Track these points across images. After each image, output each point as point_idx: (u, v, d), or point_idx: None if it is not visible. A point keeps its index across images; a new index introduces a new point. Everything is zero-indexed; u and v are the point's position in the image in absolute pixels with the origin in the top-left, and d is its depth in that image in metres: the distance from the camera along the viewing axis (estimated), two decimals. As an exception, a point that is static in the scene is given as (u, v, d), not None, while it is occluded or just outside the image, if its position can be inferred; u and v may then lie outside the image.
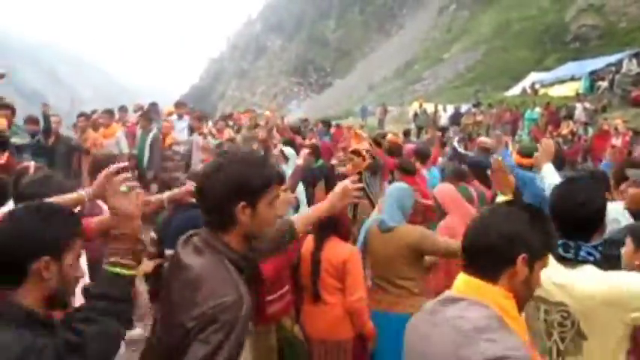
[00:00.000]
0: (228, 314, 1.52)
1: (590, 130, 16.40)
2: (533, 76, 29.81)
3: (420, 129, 21.65)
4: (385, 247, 3.59)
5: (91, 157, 6.71)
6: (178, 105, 10.77)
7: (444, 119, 22.78)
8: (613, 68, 22.14)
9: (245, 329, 1.58)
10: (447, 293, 1.55)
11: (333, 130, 14.28)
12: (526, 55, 38.08)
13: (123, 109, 11.09)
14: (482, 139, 9.19)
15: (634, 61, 20.96)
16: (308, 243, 3.51)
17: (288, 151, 6.64)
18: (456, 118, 22.36)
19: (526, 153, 5.00)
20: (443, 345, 1.41)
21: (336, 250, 3.39)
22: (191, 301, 1.57)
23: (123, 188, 1.63)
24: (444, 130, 20.65)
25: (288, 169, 6.37)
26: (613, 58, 23.72)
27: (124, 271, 1.59)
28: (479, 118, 21.06)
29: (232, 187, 1.66)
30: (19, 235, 1.48)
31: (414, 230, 3.60)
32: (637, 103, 18.47)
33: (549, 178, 3.21)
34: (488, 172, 5.45)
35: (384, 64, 60.10)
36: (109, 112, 8.75)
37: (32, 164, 3.73)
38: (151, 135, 8.72)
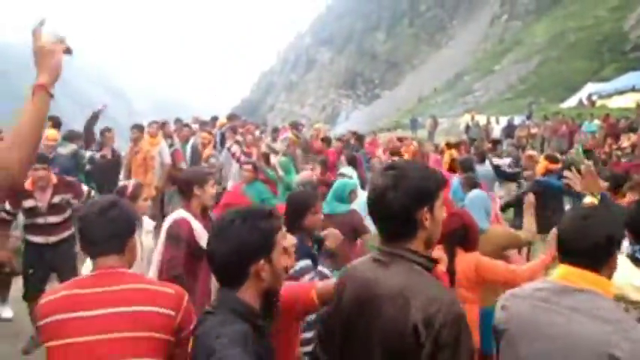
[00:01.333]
0: (456, 311, 1.60)
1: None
2: (590, 87, 28.90)
3: (472, 141, 21.28)
4: (481, 247, 3.80)
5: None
6: (231, 117, 10.99)
7: (496, 131, 22.32)
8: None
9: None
10: (555, 282, 1.86)
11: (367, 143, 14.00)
12: (582, 65, 37.01)
13: (178, 121, 11.37)
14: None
15: (700, 70, 20.05)
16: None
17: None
18: (509, 130, 21.87)
19: (552, 158, 5.69)
20: (593, 334, 1.67)
21: (464, 259, 3.53)
22: (406, 312, 1.61)
23: None
24: (496, 142, 20.24)
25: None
26: (677, 67, 22.82)
27: None
28: (533, 130, 20.52)
29: (415, 195, 1.73)
30: (240, 242, 1.67)
31: (502, 231, 4.38)
32: (703, 114, 17.61)
33: None
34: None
35: (433, 75, 59.65)
36: (156, 123, 8.98)
37: (131, 183, 4.21)
38: (187, 147, 9.12)
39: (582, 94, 28.63)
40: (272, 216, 1.76)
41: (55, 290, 1.96)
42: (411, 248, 1.75)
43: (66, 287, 1.94)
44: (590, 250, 1.82)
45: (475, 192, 4.69)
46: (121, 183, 4.08)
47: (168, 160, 8.42)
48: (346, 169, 7.04)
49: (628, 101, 23.00)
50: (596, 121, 19.17)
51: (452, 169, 8.41)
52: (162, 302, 1.88)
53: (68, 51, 1.66)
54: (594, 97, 26.88)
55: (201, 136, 9.28)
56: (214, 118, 12.26)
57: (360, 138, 12.19)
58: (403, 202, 1.71)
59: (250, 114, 73.89)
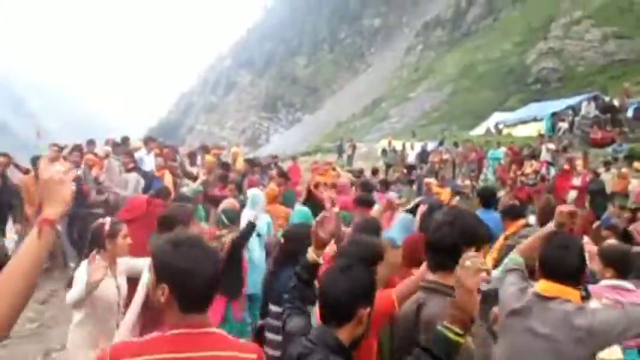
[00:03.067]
0: None
1: (553, 170, 16.83)
2: (497, 117, 30.57)
3: (388, 166, 21.88)
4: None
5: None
6: (147, 141, 10.69)
7: (411, 157, 23.10)
8: (571, 111, 22.92)
9: None
10: (537, 293, 2.52)
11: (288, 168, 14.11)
12: (490, 95, 39.21)
13: (91, 142, 10.89)
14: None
15: (592, 104, 21.72)
16: None
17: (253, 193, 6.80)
18: (423, 157, 22.70)
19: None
20: (558, 315, 2.39)
21: None
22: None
23: (468, 263, 1.80)
24: (411, 167, 20.94)
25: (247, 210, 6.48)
26: (572, 101, 24.56)
27: (451, 336, 1.76)
28: (445, 156, 21.42)
29: (467, 235, 2.06)
30: (356, 286, 1.84)
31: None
32: (596, 144, 19.09)
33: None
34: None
35: (352, 101, 61.05)
36: (56, 146, 8.37)
37: (107, 220, 3.83)
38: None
39: (490, 122, 30.21)
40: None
41: (131, 348, 1.73)
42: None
43: (145, 348, 1.70)
44: (574, 272, 2.52)
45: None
46: (99, 221, 3.67)
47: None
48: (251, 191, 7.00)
49: (530, 130, 24.52)
50: (502, 149, 20.28)
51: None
52: None
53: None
54: (501, 126, 28.45)
55: (86, 158, 8.72)
56: (125, 139, 11.77)
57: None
58: (455, 238, 2.05)
59: (168, 135, 72.09)
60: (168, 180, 8.84)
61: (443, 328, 1.77)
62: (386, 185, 9.53)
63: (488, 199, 5.86)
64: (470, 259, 1.79)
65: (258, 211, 6.53)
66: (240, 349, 1.80)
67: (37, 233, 1.44)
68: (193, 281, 1.74)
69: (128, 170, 8.64)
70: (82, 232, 8.08)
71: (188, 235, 1.96)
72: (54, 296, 7.12)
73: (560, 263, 2.48)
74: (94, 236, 3.62)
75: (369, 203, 5.45)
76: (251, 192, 6.85)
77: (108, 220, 3.78)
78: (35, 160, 7.79)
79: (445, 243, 2.05)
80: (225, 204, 5.24)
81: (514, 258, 2.88)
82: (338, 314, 1.84)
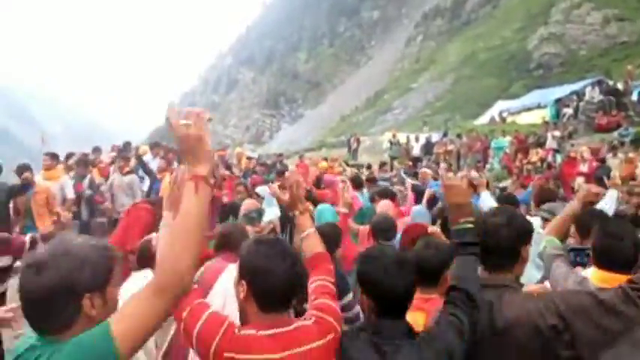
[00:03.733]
0: None
1: (559, 157, 16.76)
2: (501, 105, 30.44)
3: (393, 159, 21.82)
4: None
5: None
6: (153, 146, 10.71)
7: (416, 149, 23.05)
8: (575, 96, 22.79)
9: None
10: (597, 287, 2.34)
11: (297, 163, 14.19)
12: (492, 83, 39.05)
13: (97, 150, 10.91)
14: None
15: (596, 88, 21.60)
16: None
17: (263, 190, 6.81)
18: (428, 148, 22.65)
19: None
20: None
21: None
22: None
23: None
24: (416, 160, 20.92)
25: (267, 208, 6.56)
26: (576, 86, 24.43)
27: (467, 226, 2.03)
28: (449, 147, 21.36)
29: (523, 235, 2.14)
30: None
31: None
32: (601, 129, 18.99)
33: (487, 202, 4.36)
34: None
35: (354, 94, 60.95)
36: (52, 155, 7.89)
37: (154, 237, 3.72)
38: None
39: (494, 111, 30.08)
40: None
41: (237, 344, 1.73)
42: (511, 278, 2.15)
43: (249, 347, 1.72)
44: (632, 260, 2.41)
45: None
46: (145, 238, 3.41)
47: (71, 194, 7.71)
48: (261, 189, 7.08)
49: (535, 118, 24.39)
50: (508, 137, 20.21)
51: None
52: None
53: (210, 120, 1.55)
54: (505, 114, 28.32)
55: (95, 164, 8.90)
56: (127, 144, 11.75)
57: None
58: (513, 239, 2.10)
59: (172, 137, 72.26)
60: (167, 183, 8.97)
61: (458, 226, 2.04)
62: (372, 182, 9.64)
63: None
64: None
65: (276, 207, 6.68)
66: (323, 334, 1.82)
67: (194, 189, 1.46)
68: (270, 280, 1.78)
69: (125, 174, 8.66)
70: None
71: (273, 236, 2.07)
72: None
73: (616, 254, 2.45)
74: (142, 252, 3.47)
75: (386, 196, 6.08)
76: (264, 190, 6.93)
77: (154, 235, 3.64)
78: (21, 170, 7.59)
79: (504, 245, 2.11)
80: (248, 205, 5.26)
81: (551, 240, 2.88)
82: (508, 259, 2.12)
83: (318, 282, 2.04)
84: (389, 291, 1.88)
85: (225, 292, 2.81)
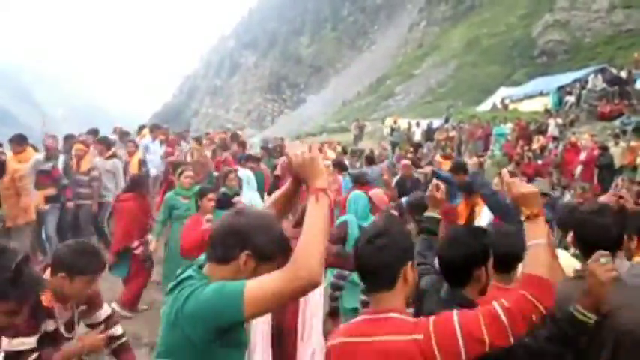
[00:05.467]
0: None
1: (560, 145, 16.76)
2: (503, 91, 30.35)
3: (394, 145, 21.81)
4: None
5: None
6: (153, 129, 10.73)
7: (417, 135, 23.04)
8: (579, 84, 22.69)
9: None
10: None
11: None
12: (495, 69, 38.85)
13: (94, 132, 10.85)
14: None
15: (599, 76, 21.49)
16: None
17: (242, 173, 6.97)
18: (429, 134, 22.64)
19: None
20: None
21: None
22: None
23: (602, 260, 2.07)
24: (418, 146, 20.88)
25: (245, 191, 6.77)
26: (579, 74, 24.32)
27: (580, 317, 2.07)
28: (451, 134, 21.35)
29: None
30: (468, 251, 2.19)
31: None
32: (604, 117, 18.95)
33: None
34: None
35: (356, 79, 60.69)
36: (18, 140, 7.43)
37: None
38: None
39: (496, 97, 30.00)
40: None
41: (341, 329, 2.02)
42: None
43: (348, 331, 1.95)
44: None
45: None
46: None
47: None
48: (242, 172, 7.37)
49: (537, 105, 24.34)
50: (509, 125, 20.19)
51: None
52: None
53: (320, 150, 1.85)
54: (507, 101, 28.25)
55: (75, 147, 8.34)
56: (142, 127, 11.86)
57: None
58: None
59: (173, 119, 72.24)
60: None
61: (574, 309, 2.07)
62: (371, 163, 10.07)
63: (459, 169, 6.88)
64: (604, 256, 2.05)
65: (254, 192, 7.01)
66: (412, 331, 1.79)
67: (315, 199, 1.78)
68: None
69: (107, 158, 8.54)
70: (72, 223, 8.11)
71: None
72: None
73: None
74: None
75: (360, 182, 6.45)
76: (243, 173, 7.10)
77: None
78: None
79: (605, 236, 2.25)
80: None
81: None
82: (458, 277, 2.18)
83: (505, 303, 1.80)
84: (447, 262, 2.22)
85: None
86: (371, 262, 1.89)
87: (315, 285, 1.66)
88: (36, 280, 1.84)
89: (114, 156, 8.75)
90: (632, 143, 13.98)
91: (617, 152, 13.64)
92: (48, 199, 7.48)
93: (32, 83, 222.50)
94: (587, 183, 11.54)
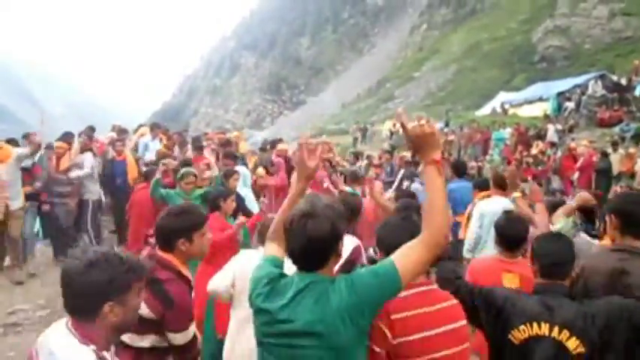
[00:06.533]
0: None
1: (559, 151, 16.77)
2: (503, 96, 30.40)
3: (393, 149, 21.79)
4: None
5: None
6: (152, 127, 10.68)
7: (416, 138, 23.02)
8: (579, 90, 22.72)
9: None
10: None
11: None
12: (495, 74, 38.92)
13: (91, 129, 10.78)
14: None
15: (599, 82, 21.53)
16: None
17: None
18: (428, 138, 22.61)
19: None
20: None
21: None
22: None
23: None
24: (416, 149, 20.83)
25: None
26: (579, 80, 24.36)
27: None
28: (450, 137, 21.35)
29: None
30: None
31: None
32: (603, 124, 18.98)
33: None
34: None
35: (356, 82, 60.73)
36: None
37: None
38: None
39: (495, 102, 30.04)
40: None
41: (396, 304, 2.08)
42: None
43: (404, 305, 2.08)
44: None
45: None
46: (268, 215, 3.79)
47: (5, 177, 7.04)
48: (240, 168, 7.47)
49: (536, 110, 24.38)
50: (508, 129, 20.19)
51: None
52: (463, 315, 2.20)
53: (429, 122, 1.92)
54: (506, 106, 28.28)
55: (55, 145, 8.11)
56: (140, 126, 11.81)
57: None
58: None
59: (173, 118, 72.18)
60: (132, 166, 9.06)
61: None
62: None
63: (460, 170, 7.15)
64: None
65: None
66: (450, 298, 2.22)
67: (437, 171, 1.89)
68: None
69: (83, 151, 8.35)
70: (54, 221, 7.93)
71: None
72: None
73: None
74: (263, 231, 3.63)
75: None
76: (242, 171, 7.13)
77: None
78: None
79: None
80: None
81: (566, 221, 3.73)
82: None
83: None
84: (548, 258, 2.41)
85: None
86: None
87: (446, 243, 1.88)
88: (142, 265, 1.85)
89: (89, 149, 8.51)
90: (631, 150, 13.98)
91: (615, 159, 13.63)
92: (27, 197, 7.33)
93: (31, 81, 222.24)
94: (584, 189, 11.56)
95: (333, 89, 67.54)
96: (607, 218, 2.78)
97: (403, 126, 1.92)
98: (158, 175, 6.08)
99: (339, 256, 1.94)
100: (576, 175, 13.79)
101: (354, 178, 6.88)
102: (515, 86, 33.69)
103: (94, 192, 8.41)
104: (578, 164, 13.79)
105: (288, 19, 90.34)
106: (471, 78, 40.37)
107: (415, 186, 7.49)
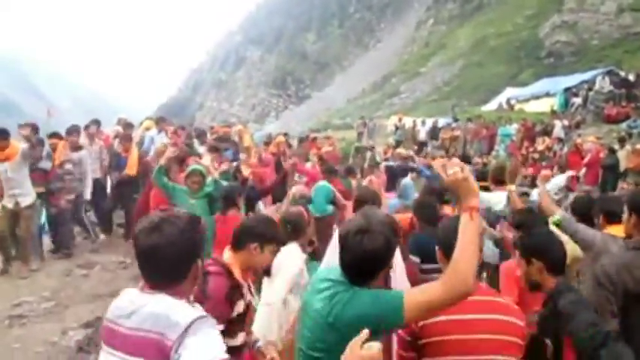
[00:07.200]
0: None
1: (565, 147, 16.68)
2: (509, 92, 30.25)
3: (398, 143, 21.76)
4: None
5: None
6: (159, 121, 10.68)
7: (422, 133, 22.96)
8: (586, 85, 22.58)
9: None
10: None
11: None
12: (502, 70, 38.70)
13: (96, 122, 10.79)
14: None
15: (607, 78, 21.38)
16: None
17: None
18: (434, 133, 22.56)
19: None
20: None
21: None
22: None
23: None
24: (422, 144, 20.82)
25: None
26: (586, 76, 24.21)
27: None
28: (456, 133, 21.28)
29: None
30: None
31: None
32: (610, 120, 18.86)
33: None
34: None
35: (362, 77, 60.52)
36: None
37: None
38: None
39: (502, 97, 29.90)
40: None
41: None
42: None
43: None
44: None
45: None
46: (300, 209, 4.10)
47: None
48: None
49: (543, 106, 24.25)
50: (515, 125, 20.10)
51: None
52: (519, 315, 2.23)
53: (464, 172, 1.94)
54: (513, 101, 28.15)
55: (48, 140, 8.08)
56: (147, 120, 11.82)
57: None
58: None
59: (178, 112, 72.20)
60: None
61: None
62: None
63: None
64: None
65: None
66: (517, 315, 2.23)
67: (469, 217, 1.89)
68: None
69: (74, 150, 8.32)
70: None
71: None
72: (69, 275, 7.21)
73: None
74: (298, 225, 3.79)
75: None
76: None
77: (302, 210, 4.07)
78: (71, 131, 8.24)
79: None
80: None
81: (562, 215, 3.67)
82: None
83: None
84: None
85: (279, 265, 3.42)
86: None
87: (468, 295, 1.86)
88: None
89: (81, 147, 8.53)
90: (638, 146, 13.88)
91: (622, 155, 13.55)
92: (38, 197, 7.33)
93: (37, 76, 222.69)
94: (592, 185, 11.51)
95: (338, 84, 67.36)
96: (625, 216, 2.86)
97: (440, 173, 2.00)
98: (162, 162, 5.86)
99: (390, 268, 2.03)
100: (583, 171, 13.72)
101: (348, 172, 6.97)
102: (521, 82, 33.50)
103: (88, 187, 8.42)
104: (586, 160, 13.71)
105: (294, 14, 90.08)
106: (478, 73, 40.17)
107: (405, 181, 7.41)
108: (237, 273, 2.69)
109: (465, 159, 7.45)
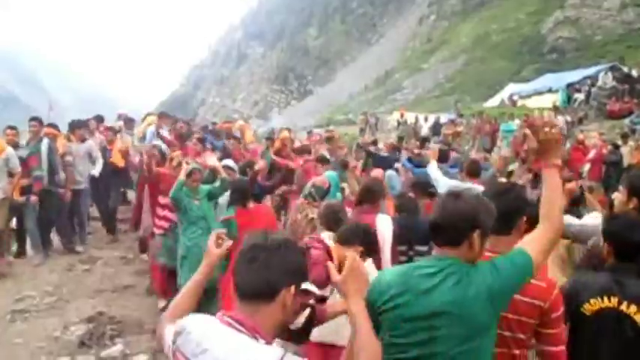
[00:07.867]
0: None
1: (568, 143, 16.62)
2: (512, 87, 30.16)
3: (400, 139, 21.68)
4: None
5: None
6: (162, 116, 10.65)
7: (424, 129, 22.90)
8: (589, 81, 22.51)
9: None
10: None
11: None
12: (504, 65, 38.62)
13: (99, 118, 10.77)
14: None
15: (609, 74, 21.32)
16: None
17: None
18: (436, 129, 22.49)
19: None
20: None
21: None
22: None
23: None
24: (424, 140, 20.72)
25: None
26: (589, 71, 24.14)
27: None
28: (459, 129, 21.20)
29: None
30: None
31: None
32: (613, 116, 18.80)
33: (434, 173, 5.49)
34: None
35: (364, 73, 60.45)
36: None
37: None
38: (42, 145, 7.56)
39: (504, 93, 29.81)
40: None
41: None
42: None
43: None
44: None
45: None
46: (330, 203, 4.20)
47: (17, 168, 6.99)
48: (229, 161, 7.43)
49: (546, 102, 24.16)
50: (517, 121, 20.04)
51: None
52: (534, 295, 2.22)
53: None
54: (515, 97, 28.06)
55: (45, 131, 7.87)
56: (149, 115, 11.77)
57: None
58: None
59: (180, 108, 72.16)
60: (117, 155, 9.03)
61: None
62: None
63: (442, 155, 7.22)
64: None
65: None
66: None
67: (556, 174, 2.11)
68: None
69: (82, 142, 8.37)
70: (50, 212, 7.68)
71: None
72: (72, 271, 7.22)
73: None
74: (332, 216, 3.81)
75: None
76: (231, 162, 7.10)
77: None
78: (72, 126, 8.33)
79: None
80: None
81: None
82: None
83: None
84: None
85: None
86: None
87: (562, 231, 2.14)
88: None
89: (85, 140, 8.52)
90: (641, 142, 13.86)
91: (625, 151, 13.50)
92: (23, 190, 7.21)
93: (40, 71, 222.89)
94: (595, 181, 11.48)
95: (340, 80, 67.28)
96: (621, 197, 3.00)
97: (534, 130, 2.07)
98: (182, 177, 5.39)
99: (473, 245, 1.96)
100: (587, 167, 13.67)
101: (343, 165, 7.01)
102: (524, 77, 33.43)
103: (85, 181, 8.39)
104: (589, 156, 13.65)
105: (296, 9, 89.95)
106: (480, 69, 40.10)
107: (389, 173, 7.40)
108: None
109: (444, 153, 7.64)
